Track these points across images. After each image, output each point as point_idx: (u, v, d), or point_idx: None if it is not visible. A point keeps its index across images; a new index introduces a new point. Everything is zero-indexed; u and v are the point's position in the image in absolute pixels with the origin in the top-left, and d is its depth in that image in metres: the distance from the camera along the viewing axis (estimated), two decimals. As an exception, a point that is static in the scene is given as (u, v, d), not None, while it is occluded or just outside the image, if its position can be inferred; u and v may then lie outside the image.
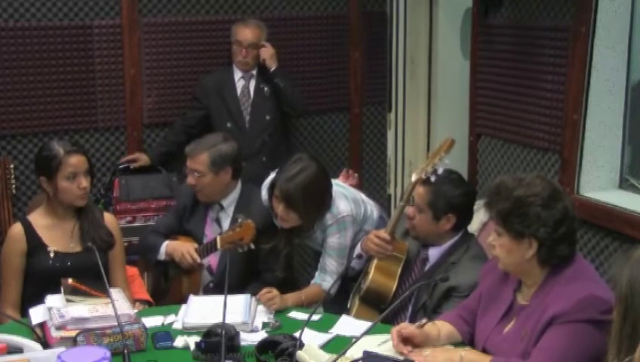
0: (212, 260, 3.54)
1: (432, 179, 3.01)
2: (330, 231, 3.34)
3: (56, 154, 3.13)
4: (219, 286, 3.41)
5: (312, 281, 3.37)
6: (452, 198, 3.03)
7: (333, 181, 3.49)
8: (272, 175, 3.45)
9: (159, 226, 3.71)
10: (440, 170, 3.00)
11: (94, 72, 4.46)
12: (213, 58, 4.67)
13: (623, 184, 3.82)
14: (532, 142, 4.04)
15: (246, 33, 4.44)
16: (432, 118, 5.22)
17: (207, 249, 3.44)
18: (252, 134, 4.46)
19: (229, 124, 4.43)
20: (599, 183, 3.80)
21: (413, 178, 3.07)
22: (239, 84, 4.51)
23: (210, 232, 3.58)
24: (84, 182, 3.15)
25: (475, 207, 3.18)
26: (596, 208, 3.65)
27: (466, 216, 3.12)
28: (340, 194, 3.40)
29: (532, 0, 3.96)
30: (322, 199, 3.32)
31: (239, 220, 3.33)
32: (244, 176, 3.67)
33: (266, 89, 4.50)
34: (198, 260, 3.45)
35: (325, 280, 3.32)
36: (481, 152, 4.46)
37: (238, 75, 4.52)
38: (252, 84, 4.53)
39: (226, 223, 3.54)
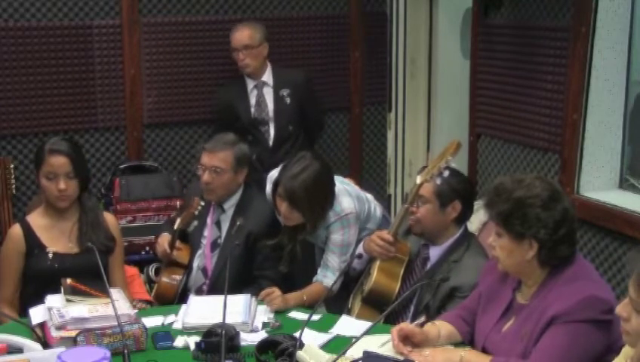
0: (207, 262, 3.53)
1: (438, 181, 3.00)
2: (333, 228, 3.33)
3: (42, 151, 3.12)
4: (213, 289, 3.40)
5: (314, 278, 3.35)
6: (456, 185, 3.04)
7: (338, 178, 3.48)
8: (275, 170, 3.45)
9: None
10: (446, 173, 3.00)
11: (94, 72, 4.46)
12: (213, 58, 4.67)
13: (623, 184, 3.82)
14: (532, 142, 4.03)
15: (237, 37, 4.41)
16: (432, 118, 5.22)
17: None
18: (275, 145, 4.42)
19: (250, 138, 4.36)
20: (599, 183, 3.80)
21: (419, 180, 3.06)
22: (252, 95, 4.47)
23: (210, 235, 3.55)
24: (62, 185, 3.08)
25: (475, 207, 3.18)
26: (596, 208, 3.66)
27: (469, 204, 3.12)
28: (344, 191, 3.39)
29: (532, 0, 3.96)
30: (325, 197, 3.30)
31: (238, 223, 3.32)
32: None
33: (285, 95, 4.44)
34: (168, 250, 3.47)
35: (327, 276, 3.30)
36: (481, 152, 4.46)
37: (250, 84, 4.47)
38: (266, 90, 4.47)
39: (225, 226, 3.52)
